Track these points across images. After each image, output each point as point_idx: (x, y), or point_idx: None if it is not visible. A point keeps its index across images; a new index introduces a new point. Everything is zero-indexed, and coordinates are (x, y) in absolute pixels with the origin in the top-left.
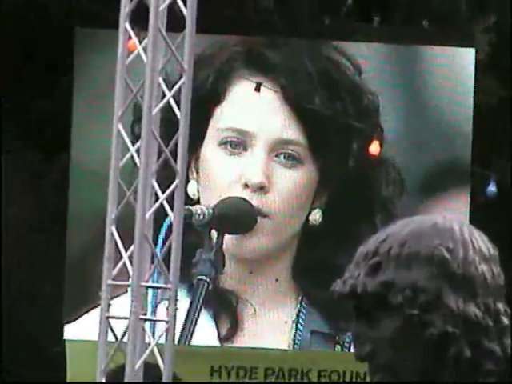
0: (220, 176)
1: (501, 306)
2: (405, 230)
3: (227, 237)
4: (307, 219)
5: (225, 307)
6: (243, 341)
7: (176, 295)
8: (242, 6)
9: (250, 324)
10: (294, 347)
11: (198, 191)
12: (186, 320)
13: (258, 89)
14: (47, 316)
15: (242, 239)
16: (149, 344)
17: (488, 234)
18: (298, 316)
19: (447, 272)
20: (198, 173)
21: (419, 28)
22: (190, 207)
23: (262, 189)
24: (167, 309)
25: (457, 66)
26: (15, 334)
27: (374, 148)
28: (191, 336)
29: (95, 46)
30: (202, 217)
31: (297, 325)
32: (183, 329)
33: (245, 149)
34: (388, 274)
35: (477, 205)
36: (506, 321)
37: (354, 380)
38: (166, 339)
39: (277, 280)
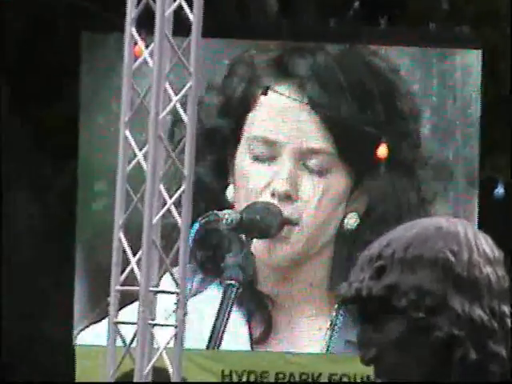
0: (251, 183)
1: (506, 308)
2: (409, 234)
3: (259, 244)
4: (342, 224)
5: (260, 310)
6: (276, 345)
7: (184, 300)
8: (248, 9)
9: (283, 328)
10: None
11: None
12: (214, 324)
13: (264, 93)
14: (58, 322)
15: (274, 246)
16: (157, 349)
17: (495, 236)
18: (333, 324)
19: (452, 275)
20: (234, 178)
21: (425, 30)
22: (217, 212)
23: (288, 197)
24: (175, 313)
25: (464, 67)
26: (26, 338)
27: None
28: (221, 340)
29: (102, 51)
30: (229, 221)
31: (332, 332)
32: (212, 333)
33: (274, 158)
34: (392, 277)
35: (484, 207)
36: (511, 323)
37: (364, 382)
38: (175, 344)
39: (311, 285)
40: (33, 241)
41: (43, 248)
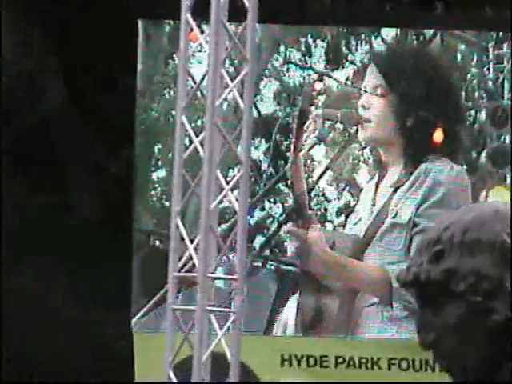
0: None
1: None
2: (466, 218)
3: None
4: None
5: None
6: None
7: (243, 286)
8: None
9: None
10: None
11: None
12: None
13: (320, 79)
14: (115, 310)
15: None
16: (215, 334)
17: None
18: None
19: (509, 258)
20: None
21: (481, 14)
22: None
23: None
24: (234, 299)
25: None
26: (82, 328)
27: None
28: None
29: (158, 38)
30: None
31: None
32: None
33: None
34: (451, 261)
35: None
36: None
37: (423, 368)
38: (233, 329)
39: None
40: (90, 228)
41: (100, 235)
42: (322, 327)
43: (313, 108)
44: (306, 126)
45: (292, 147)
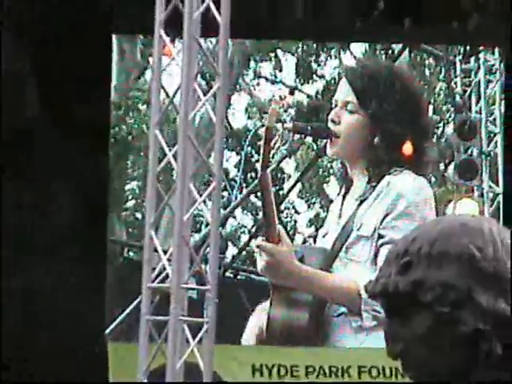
0: None
1: None
2: (435, 230)
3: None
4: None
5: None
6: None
7: (215, 296)
8: (275, 10)
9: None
10: None
11: None
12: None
13: (291, 93)
14: (88, 317)
15: None
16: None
17: None
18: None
19: (477, 270)
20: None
21: (449, 29)
22: None
23: None
24: (206, 309)
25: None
26: (56, 335)
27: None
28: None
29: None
30: None
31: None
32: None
33: None
34: (418, 272)
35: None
36: None
37: (394, 375)
38: (206, 339)
39: None
40: (65, 236)
41: (75, 244)
42: (292, 338)
43: (279, 125)
44: (272, 142)
45: (260, 163)
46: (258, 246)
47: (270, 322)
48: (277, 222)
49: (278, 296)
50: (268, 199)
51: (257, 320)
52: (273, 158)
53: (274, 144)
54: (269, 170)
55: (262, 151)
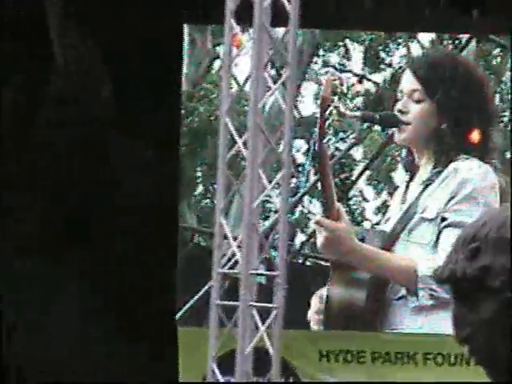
0: None
1: None
2: (502, 216)
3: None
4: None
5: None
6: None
7: (284, 281)
8: (342, 1)
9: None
10: None
11: None
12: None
13: (360, 81)
14: (159, 304)
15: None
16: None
17: None
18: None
19: None
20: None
21: None
22: None
23: None
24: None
25: None
26: (127, 322)
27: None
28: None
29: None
30: None
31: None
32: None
33: None
34: (486, 258)
35: None
36: None
37: (458, 362)
38: (274, 324)
39: None
40: (135, 227)
41: (145, 233)
42: (349, 318)
43: (332, 108)
44: (326, 124)
45: (317, 145)
46: (317, 222)
47: (329, 302)
48: (335, 198)
49: (338, 276)
50: (325, 171)
51: (317, 300)
52: (327, 136)
53: (328, 125)
54: (325, 141)
55: (317, 132)
